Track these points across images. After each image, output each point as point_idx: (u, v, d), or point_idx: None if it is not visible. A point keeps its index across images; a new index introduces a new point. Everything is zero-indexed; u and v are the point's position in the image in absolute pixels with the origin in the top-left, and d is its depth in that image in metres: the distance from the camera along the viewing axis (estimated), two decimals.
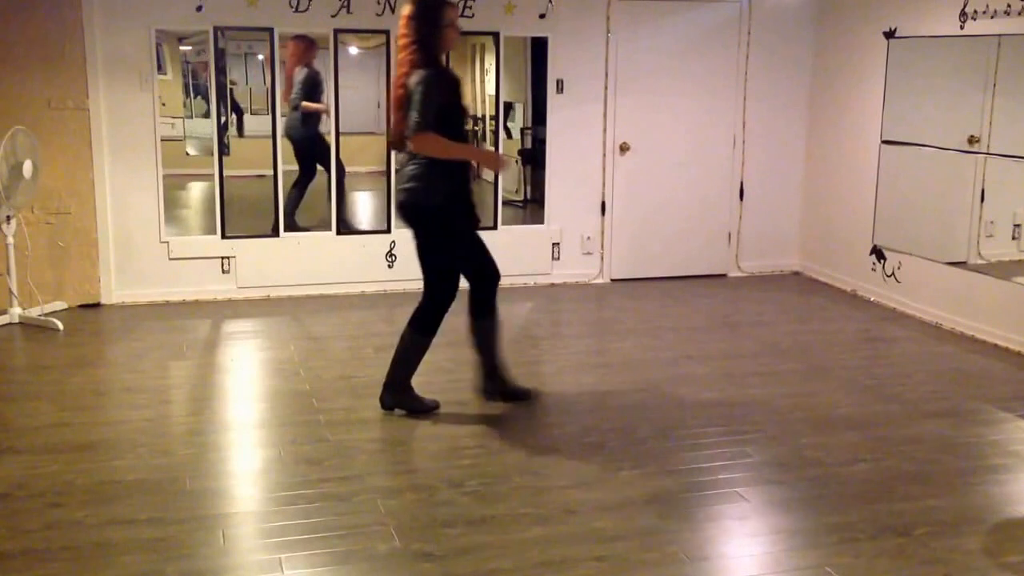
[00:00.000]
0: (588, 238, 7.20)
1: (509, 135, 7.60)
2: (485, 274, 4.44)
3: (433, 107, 4.08)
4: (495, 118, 7.08)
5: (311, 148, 6.86)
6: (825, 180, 7.31)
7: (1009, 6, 5.52)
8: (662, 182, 7.26)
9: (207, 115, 6.57)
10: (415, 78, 4.12)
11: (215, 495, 3.67)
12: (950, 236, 6.42)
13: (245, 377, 5.21)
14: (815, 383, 5.09)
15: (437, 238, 4.31)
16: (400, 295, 6.77)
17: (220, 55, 6.39)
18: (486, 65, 7.17)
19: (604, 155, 7.11)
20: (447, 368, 5.22)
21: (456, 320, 6.20)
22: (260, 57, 6.91)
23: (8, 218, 5.79)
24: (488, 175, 6.81)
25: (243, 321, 6.19)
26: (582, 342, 5.95)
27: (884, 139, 6.59)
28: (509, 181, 7.29)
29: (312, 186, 6.95)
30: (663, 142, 7.21)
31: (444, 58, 4.45)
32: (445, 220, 4.28)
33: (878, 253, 6.72)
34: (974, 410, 4.69)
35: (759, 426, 4.40)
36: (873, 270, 6.78)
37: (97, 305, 6.35)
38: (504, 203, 7.10)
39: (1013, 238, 6.17)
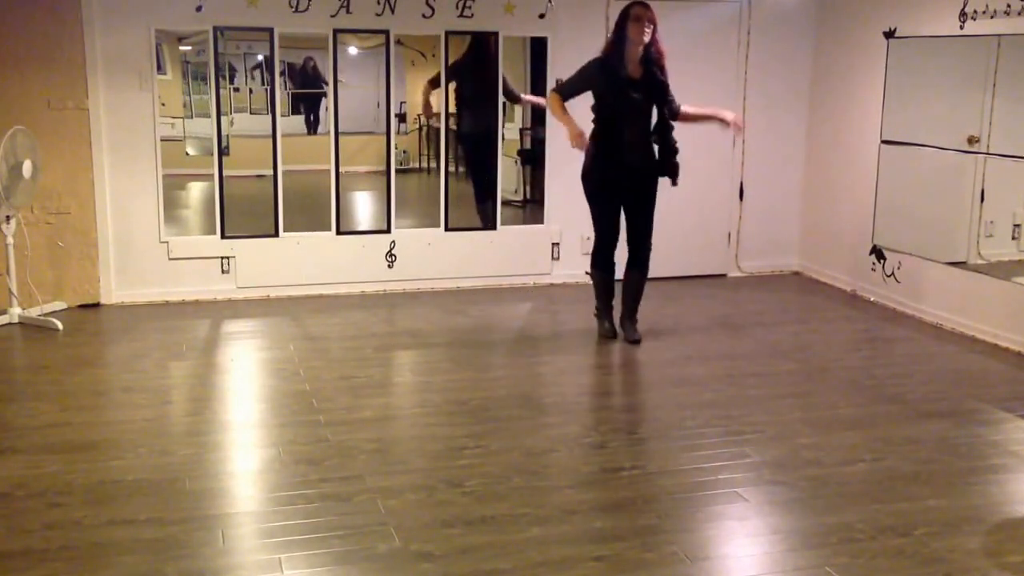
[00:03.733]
0: (588, 238, 7.17)
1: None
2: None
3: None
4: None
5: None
6: (825, 180, 7.31)
7: (1009, 6, 5.52)
8: (662, 182, 7.23)
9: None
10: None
11: (215, 495, 3.67)
12: (950, 236, 6.42)
13: (245, 377, 5.21)
14: (815, 383, 5.09)
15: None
16: (400, 295, 6.77)
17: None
18: None
19: None
20: (446, 368, 5.23)
21: (457, 320, 6.22)
22: (260, 57, 6.90)
23: (8, 218, 5.79)
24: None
25: (243, 321, 6.19)
26: (582, 342, 5.95)
27: (884, 139, 6.59)
28: (508, 181, 7.29)
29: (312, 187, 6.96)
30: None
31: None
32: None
33: (878, 253, 6.72)
34: (974, 410, 4.69)
35: (759, 426, 4.40)
36: (873, 270, 6.78)
37: (97, 305, 6.35)
38: (504, 203, 7.10)
39: (1013, 238, 6.17)
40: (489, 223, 7.02)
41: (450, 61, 6.78)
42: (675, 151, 5.57)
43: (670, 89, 5.47)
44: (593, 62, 5.44)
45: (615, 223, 5.65)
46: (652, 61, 5.37)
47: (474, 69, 6.89)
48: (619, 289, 5.80)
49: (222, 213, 6.51)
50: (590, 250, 7.12)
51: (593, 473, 3.88)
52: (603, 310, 5.78)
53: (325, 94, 6.61)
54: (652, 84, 5.39)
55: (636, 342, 5.65)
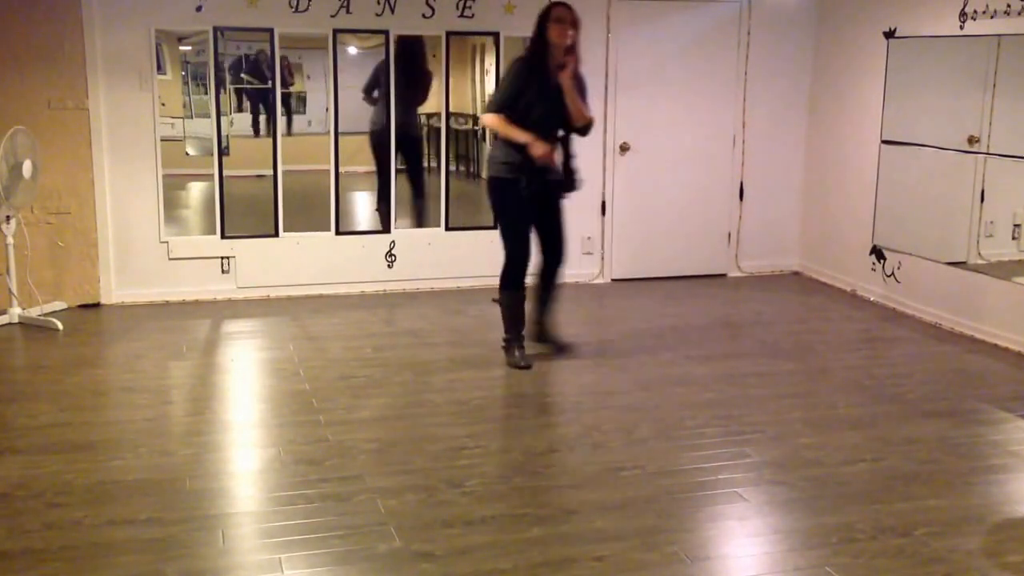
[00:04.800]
0: (588, 238, 7.20)
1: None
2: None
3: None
4: None
5: None
6: (825, 180, 7.31)
7: (1009, 6, 5.52)
8: (662, 182, 7.27)
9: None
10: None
11: (215, 495, 3.67)
12: (950, 236, 6.42)
13: (245, 377, 5.21)
14: (815, 383, 5.09)
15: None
16: (400, 295, 6.77)
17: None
18: (486, 65, 7.16)
19: (604, 155, 7.11)
20: (446, 368, 5.22)
21: (457, 320, 6.22)
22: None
23: (8, 218, 5.79)
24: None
25: (243, 321, 6.18)
26: (582, 342, 5.94)
27: (884, 139, 6.59)
28: None
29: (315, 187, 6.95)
30: (663, 142, 7.21)
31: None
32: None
33: (878, 253, 6.72)
34: (974, 410, 4.69)
35: (759, 426, 4.40)
36: (873, 270, 6.78)
37: (97, 305, 6.35)
38: None
39: (1013, 238, 6.17)
40: (419, 222, 7.00)
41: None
42: (573, 159, 5.23)
43: (587, 97, 5.17)
44: (520, 64, 5.09)
45: (529, 236, 5.20)
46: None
47: (402, 71, 6.82)
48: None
49: (222, 213, 6.51)
50: (590, 250, 7.21)
51: (593, 473, 3.88)
52: (516, 337, 5.24)
53: (271, 90, 6.54)
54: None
55: (567, 348, 5.45)
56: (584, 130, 5.13)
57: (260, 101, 6.76)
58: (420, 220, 7.04)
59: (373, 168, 6.91)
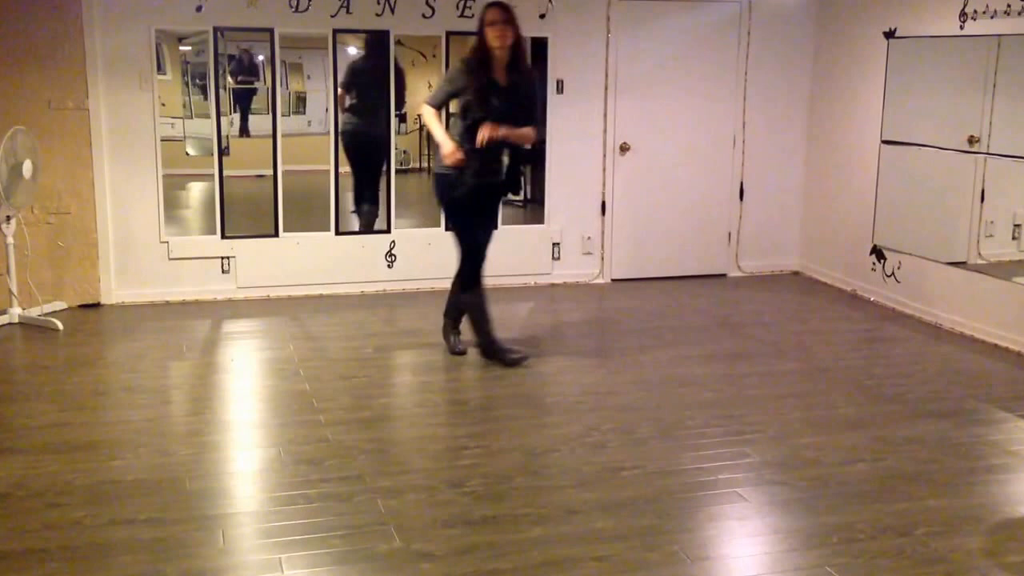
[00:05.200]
0: (588, 238, 7.20)
1: None
2: None
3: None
4: None
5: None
6: (825, 180, 7.31)
7: (1009, 6, 5.52)
8: (662, 182, 7.26)
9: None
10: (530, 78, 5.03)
11: (215, 495, 3.67)
12: (950, 236, 6.42)
13: (245, 377, 5.21)
14: (815, 383, 5.09)
15: None
16: (400, 295, 6.77)
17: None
18: None
19: (604, 155, 7.12)
20: (446, 368, 5.22)
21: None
22: (260, 57, 6.90)
23: (8, 218, 5.79)
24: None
25: (243, 321, 6.18)
26: (582, 342, 5.95)
27: (884, 139, 6.59)
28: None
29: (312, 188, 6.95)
30: (663, 142, 7.21)
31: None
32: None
33: (878, 253, 6.72)
34: (974, 410, 4.69)
35: (759, 426, 4.40)
36: (873, 270, 6.78)
37: (97, 305, 6.35)
38: (504, 203, 7.09)
39: (1013, 238, 6.17)
40: (367, 227, 6.91)
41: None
42: (520, 163, 5.20)
43: (536, 98, 5.06)
44: (459, 66, 5.04)
45: (479, 230, 5.16)
46: (518, 68, 4.96)
47: (364, 72, 6.75)
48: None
49: (222, 213, 6.51)
50: (590, 250, 7.21)
51: (594, 473, 3.88)
52: (491, 334, 5.22)
53: (256, 90, 6.51)
54: (518, 92, 4.95)
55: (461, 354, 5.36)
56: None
57: (244, 101, 6.76)
58: (369, 226, 6.91)
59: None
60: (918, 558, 3.23)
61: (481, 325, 5.22)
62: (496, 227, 5.33)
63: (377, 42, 6.62)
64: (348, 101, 6.75)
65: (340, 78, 6.64)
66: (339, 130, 6.67)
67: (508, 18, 4.85)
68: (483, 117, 4.83)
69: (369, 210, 6.97)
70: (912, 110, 6.46)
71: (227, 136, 6.56)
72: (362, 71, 6.78)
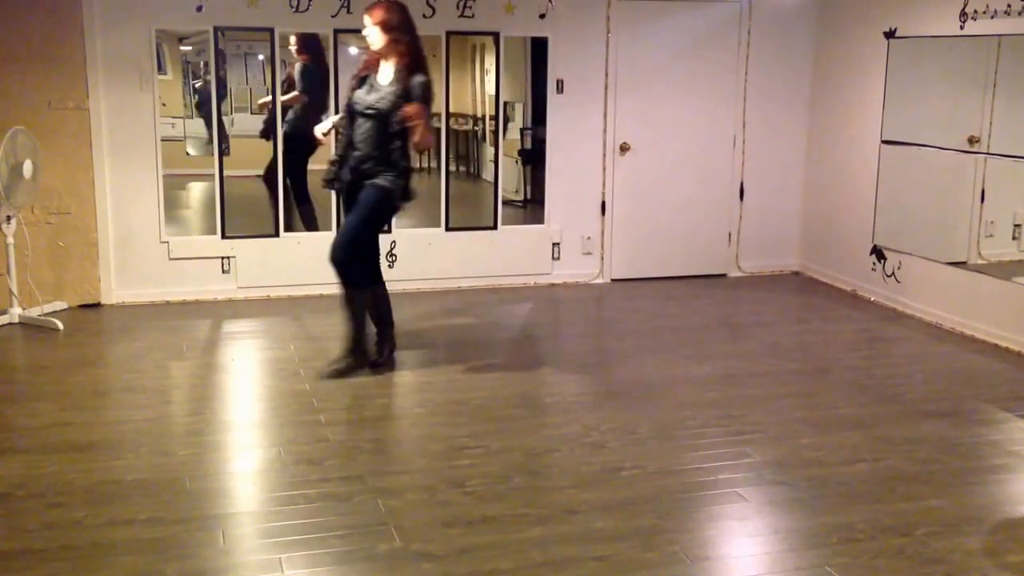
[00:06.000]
0: (588, 238, 7.20)
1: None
2: None
3: None
4: (495, 118, 7.08)
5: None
6: (825, 180, 7.31)
7: (1009, 6, 5.52)
8: (662, 182, 7.27)
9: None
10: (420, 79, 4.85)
11: (215, 495, 3.67)
12: (950, 236, 6.42)
13: (245, 377, 5.21)
14: (815, 383, 5.09)
15: None
16: (400, 295, 6.76)
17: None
18: (486, 65, 7.16)
19: (604, 155, 7.12)
20: (446, 368, 5.22)
21: (457, 320, 6.21)
22: (260, 57, 6.89)
23: (8, 218, 5.79)
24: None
25: (243, 321, 6.19)
26: (582, 342, 5.95)
27: (884, 139, 6.59)
28: (509, 181, 7.29)
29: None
30: (663, 142, 7.21)
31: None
32: None
33: (878, 253, 6.72)
34: (974, 410, 4.69)
35: (759, 426, 4.40)
36: (873, 270, 6.78)
37: (97, 305, 6.35)
38: (504, 203, 7.10)
39: (1013, 238, 6.17)
40: (311, 225, 6.86)
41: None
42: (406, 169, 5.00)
43: (411, 98, 4.77)
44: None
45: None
46: (401, 66, 4.84)
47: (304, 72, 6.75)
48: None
49: (222, 213, 6.51)
50: (590, 250, 7.21)
51: (594, 473, 3.88)
52: (365, 337, 5.14)
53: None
54: (396, 91, 4.83)
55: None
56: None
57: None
58: (310, 226, 6.86)
59: None
60: (918, 558, 3.23)
61: (361, 323, 5.09)
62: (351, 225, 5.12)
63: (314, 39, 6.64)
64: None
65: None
66: (287, 131, 6.67)
67: (376, 18, 4.82)
68: (354, 117, 4.96)
69: (304, 210, 6.95)
70: (912, 110, 6.46)
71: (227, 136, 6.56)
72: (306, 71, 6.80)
